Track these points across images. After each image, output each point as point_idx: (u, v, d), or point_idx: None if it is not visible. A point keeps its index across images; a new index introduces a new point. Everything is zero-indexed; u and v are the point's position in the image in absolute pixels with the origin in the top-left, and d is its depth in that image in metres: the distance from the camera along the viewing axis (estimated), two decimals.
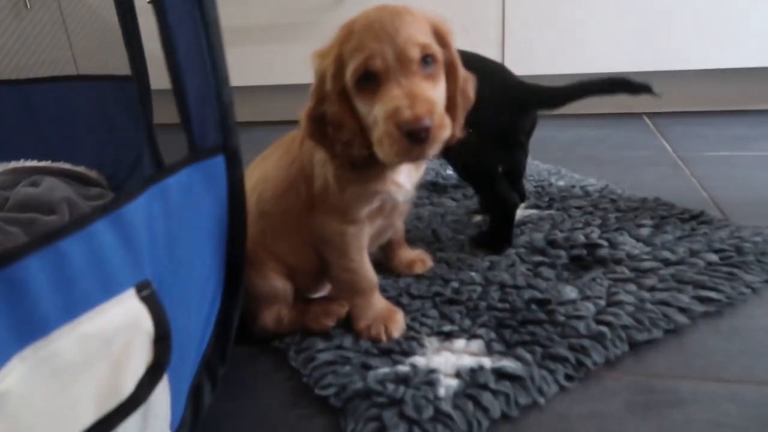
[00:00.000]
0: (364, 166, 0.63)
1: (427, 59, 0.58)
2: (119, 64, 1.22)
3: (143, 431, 0.47)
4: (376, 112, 0.57)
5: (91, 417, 0.42)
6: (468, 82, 0.65)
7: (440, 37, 0.60)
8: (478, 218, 1.01)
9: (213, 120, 0.55)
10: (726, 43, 1.47)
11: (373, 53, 0.56)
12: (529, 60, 1.58)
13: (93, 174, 1.15)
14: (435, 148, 0.57)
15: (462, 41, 1.36)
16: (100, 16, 1.80)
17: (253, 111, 1.88)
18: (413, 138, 0.54)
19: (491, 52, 1.59)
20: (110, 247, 0.44)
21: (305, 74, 1.66)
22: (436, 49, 0.58)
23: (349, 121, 0.60)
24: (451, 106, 0.62)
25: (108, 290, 0.44)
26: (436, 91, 0.59)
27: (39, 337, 0.39)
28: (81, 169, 1.15)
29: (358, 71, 0.57)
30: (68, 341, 0.41)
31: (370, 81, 0.57)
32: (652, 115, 1.61)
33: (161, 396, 0.48)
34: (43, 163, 1.14)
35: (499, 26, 1.57)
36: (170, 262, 0.51)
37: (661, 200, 1.00)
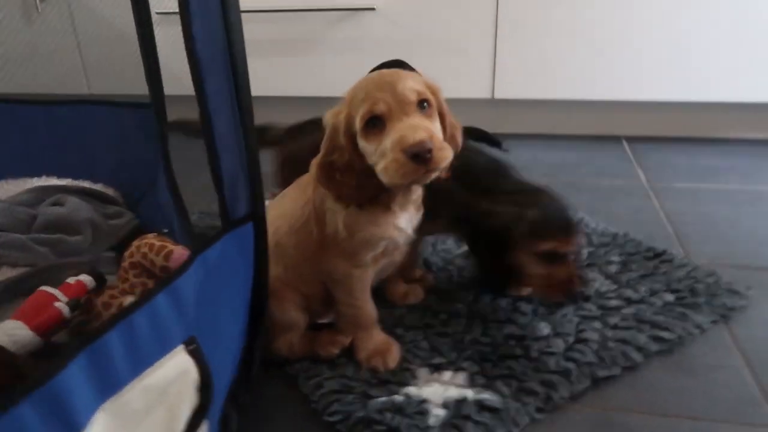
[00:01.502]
0: (368, 206, 0.74)
1: (422, 103, 0.69)
2: (130, 78, 1.30)
3: None
4: (384, 145, 0.67)
5: None
6: (456, 129, 0.76)
7: (432, 92, 0.71)
8: (465, 248, 1.11)
9: (244, 192, 0.65)
10: (701, 78, 1.57)
11: (377, 100, 0.67)
12: (519, 85, 1.68)
13: (111, 192, 1.24)
14: (437, 170, 0.67)
15: (453, 66, 1.46)
16: (112, 26, 1.86)
17: (258, 119, 1.96)
18: (418, 160, 0.64)
19: (482, 79, 1.68)
20: (166, 313, 0.54)
21: (305, 88, 1.76)
22: (430, 96, 0.70)
23: (360, 166, 0.71)
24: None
25: (164, 348, 0.54)
26: (433, 126, 0.70)
27: (115, 392, 0.49)
28: (99, 187, 1.24)
29: (366, 116, 0.68)
30: (135, 393, 0.51)
31: (377, 124, 0.68)
32: (630, 139, 1.72)
33: (201, 430, 0.58)
34: (64, 182, 1.22)
35: (490, 52, 1.66)
36: (208, 317, 0.61)
37: (630, 236, 1.11)
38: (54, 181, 1.22)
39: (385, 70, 0.71)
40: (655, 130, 1.74)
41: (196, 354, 0.57)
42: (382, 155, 0.68)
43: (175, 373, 0.54)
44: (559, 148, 1.68)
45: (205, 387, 0.57)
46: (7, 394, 0.40)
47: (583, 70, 1.63)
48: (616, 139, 1.73)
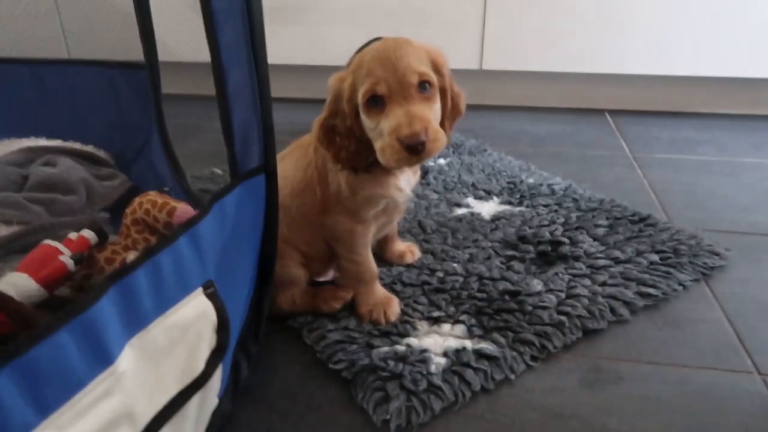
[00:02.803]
0: (364, 171, 0.76)
1: (424, 84, 0.70)
2: (112, 43, 1.28)
3: (203, 399, 0.59)
4: (382, 127, 0.69)
5: (174, 389, 0.54)
6: (459, 96, 0.77)
7: (436, 66, 0.72)
8: (459, 211, 1.14)
9: (256, 144, 0.66)
10: (683, 53, 1.62)
11: (378, 80, 0.68)
12: (507, 56, 1.70)
13: (101, 154, 1.23)
14: (430, 157, 0.70)
15: (442, 36, 1.48)
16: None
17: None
18: (411, 150, 0.67)
19: (470, 48, 1.70)
20: (187, 256, 0.55)
21: (300, 56, 1.75)
22: (432, 76, 0.70)
23: (360, 133, 0.73)
24: (443, 121, 0.75)
25: (185, 290, 0.56)
26: (431, 111, 0.71)
27: (141, 328, 0.51)
28: (90, 148, 1.23)
29: (367, 94, 0.69)
30: (159, 331, 0.53)
31: (377, 102, 0.69)
32: (614, 113, 1.76)
33: (217, 372, 0.60)
34: (54, 143, 1.21)
35: (479, 23, 1.68)
36: (224, 263, 0.62)
37: (616, 202, 1.15)
38: (43, 142, 1.21)
39: (390, 42, 0.70)
40: (637, 104, 1.78)
41: (213, 297, 0.58)
42: (380, 135, 0.70)
43: (194, 314, 0.56)
44: (545, 121, 1.71)
45: (222, 329, 0.59)
46: (46, 323, 0.41)
47: (569, 43, 1.66)
48: (600, 113, 1.77)
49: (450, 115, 0.76)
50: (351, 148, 0.74)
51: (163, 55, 1.27)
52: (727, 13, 1.56)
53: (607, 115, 1.75)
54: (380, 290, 0.86)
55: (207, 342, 0.58)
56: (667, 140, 1.54)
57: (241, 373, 0.70)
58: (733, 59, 1.61)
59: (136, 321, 0.50)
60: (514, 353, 0.76)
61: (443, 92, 0.73)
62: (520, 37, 1.68)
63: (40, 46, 1.89)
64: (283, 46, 1.80)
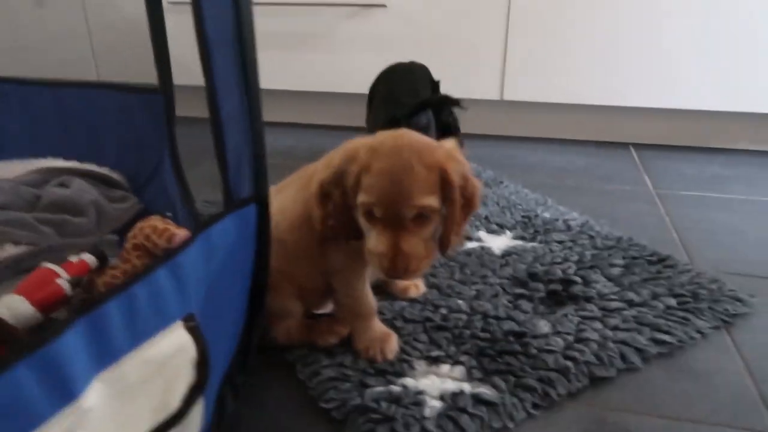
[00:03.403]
0: (347, 241, 0.75)
1: (420, 214, 0.68)
2: (140, 67, 1.30)
3: None
4: (371, 237, 0.70)
5: (146, 426, 0.52)
6: (474, 195, 0.72)
7: (445, 181, 0.68)
8: (469, 245, 1.11)
9: (248, 173, 0.64)
10: (710, 87, 1.57)
11: (377, 201, 0.67)
12: (528, 87, 1.68)
13: (116, 176, 1.24)
14: (410, 279, 0.71)
15: (462, 66, 1.49)
16: (123, 13, 1.87)
17: (273, 113, 1.96)
18: (390, 276, 0.69)
19: (491, 78, 1.68)
20: (166, 288, 0.53)
21: (311, 82, 1.76)
22: (432, 204, 0.68)
23: (354, 214, 0.72)
24: (447, 230, 0.71)
25: (163, 322, 0.54)
26: (422, 238, 0.69)
27: (112, 362, 0.49)
28: (105, 170, 1.24)
29: (364, 207, 0.69)
30: (132, 365, 0.51)
31: (373, 215, 0.69)
32: (638, 146, 1.71)
33: (198, 408, 0.58)
34: (70, 164, 1.22)
35: (500, 53, 1.66)
36: (208, 296, 0.60)
37: (634, 241, 1.10)
38: (60, 163, 1.23)
39: (400, 160, 0.67)
40: (663, 138, 1.74)
41: (194, 331, 0.56)
42: (369, 238, 0.70)
43: (172, 349, 0.54)
44: (566, 153, 1.68)
45: (202, 364, 0.57)
46: (3, 357, 0.40)
47: (592, 74, 1.63)
48: (623, 146, 1.72)
49: (462, 212, 0.72)
50: (340, 220, 0.73)
51: (186, 79, 1.29)
52: (756, 47, 1.52)
53: (632, 148, 1.70)
54: (378, 326, 0.83)
55: (185, 378, 0.56)
56: (693, 176, 1.48)
57: (227, 408, 0.68)
58: (762, 94, 1.55)
59: (106, 355, 0.49)
60: (515, 399, 0.72)
61: (452, 204, 0.70)
62: (541, 68, 1.65)
63: (71, 68, 1.94)
64: (298, 73, 1.81)
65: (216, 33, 0.59)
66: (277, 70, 1.80)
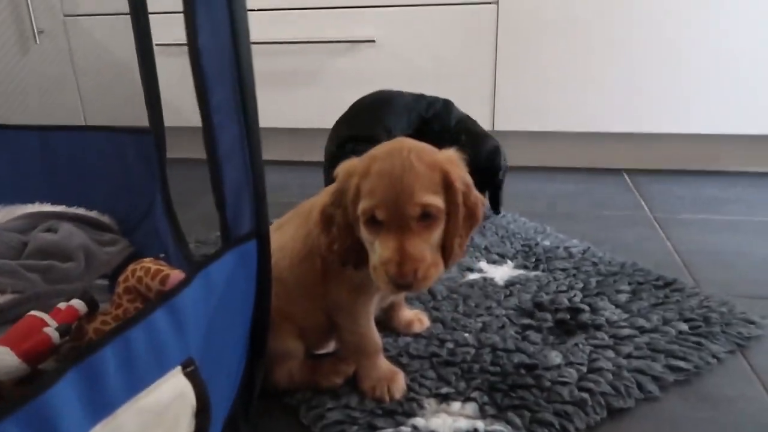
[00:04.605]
0: (353, 267, 0.72)
1: (426, 214, 0.65)
2: (128, 111, 1.29)
3: None
4: (375, 248, 0.66)
5: None
6: (476, 206, 0.70)
7: (447, 182, 0.66)
8: (471, 276, 1.08)
9: (248, 208, 0.62)
10: (701, 111, 1.58)
11: (379, 203, 0.64)
12: (519, 117, 1.68)
13: (106, 219, 1.21)
14: (419, 291, 0.66)
15: (452, 98, 1.48)
16: (110, 58, 1.87)
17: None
18: (398, 285, 0.64)
19: (482, 109, 1.69)
20: (165, 331, 0.50)
21: (303, 119, 1.75)
22: (437, 205, 0.65)
23: (357, 233, 0.69)
24: (451, 237, 0.68)
25: (161, 369, 0.50)
26: (429, 242, 0.66)
27: (108, 414, 0.46)
28: (94, 214, 1.21)
29: (366, 214, 0.66)
30: (129, 415, 0.47)
31: (376, 222, 0.66)
32: (631, 172, 1.71)
33: None
34: (58, 209, 1.19)
35: (490, 83, 1.67)
36: (207, 338, 0.57)
37: (638, 266, 1.08)
38: (47, 208, 1.19)
39: (398, 161, 0.65)
40: (655, 162, 1.74)
41: (193, 377, 0.53)
42: (374, 252, 0.67)
43: (171, 396, 0.51)
44: (559, 180, 1.67)
45: (202, 412, 0.53)
46: None
47: (582, 103, 1.64)
48: (616, 172, 1.72)
49: (465, 224, 0.70)
50: (345, 243, 0.70)
51: (175, 120, 1.27)
52: (747, 68, 1.53)
53: (624, 174, 1.70)
54: (384, 364, 0.79)
55: (184, 426, 0.52)
56: (690, 199, 1.48)
57: None
58: (754, 116, 1.57)
59: (101, 406, 0.45)
60: None
61: (455, 207, 0.68)
62: (531, 98, 1.66)
63: (58, 114, 1.93)
64: (288, 110, 1.81)
65: (213, 66, 0.57)
66: (267, 108, 1.79)
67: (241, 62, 0.59)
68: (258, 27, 1.72)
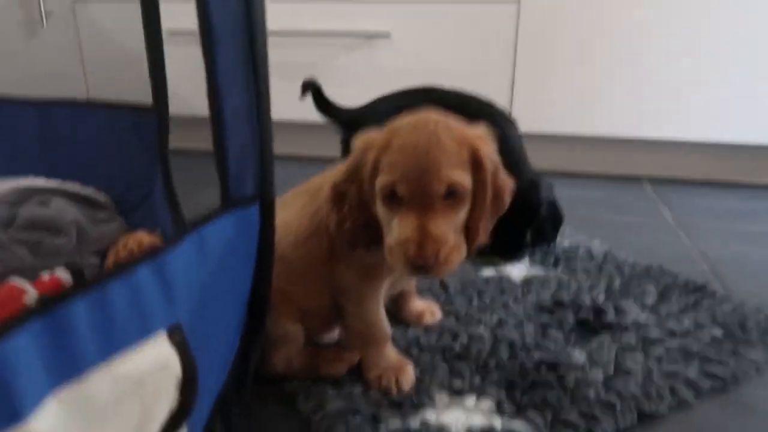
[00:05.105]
0: (364, 249, 0.65)
1: (451, 192, 0.59)
2: (132, 91, 1.23)
3: None
4: (393, 227, 0.60)
5: None
6: (504, 190, 0.65)
7: (476, 159, 0.61)
8: (486, 273, 1.01)
9: (252, 170, 0.56)
10: (724, 119, 1.52)
11: (400, 178, 0.58)
12: (536, 119, 1.62)
13: (101, 197, 1.15)
14: (439, 276, 0.60)
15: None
16: (117, 43, 1.82)
17: None
18: (416, 269, 0.58)
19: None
20: (149, 292, 0.44)
21: (314, 113, 1.68)
22: (464, 183, 0.59)
23: (373, 210, 0.63)
24: (476, 220, 0.63)
25: (142, 332, 0.44)
26: (453, 222, 0.60)
27: (75, 377, 0.39)
28: (90, 191, 1.15)
29: (385, 189, 0.60)
30: (102, 382, 0.41)
31: (395, 199, 0.60)
32: (652, 180, 1.65)
33: None
34: (52, 183, 1.13)
35: (508, 84, 1.62)
36: (200, 306, 0.51)
37: (665, 269, 1.01)
38: (41, 183, 1.14)
39: (424, 134, 0.59)
40: (677, 172, 1.67)
41: (180, 345, 0.46)
42: (390, 232, 0.61)
43: (153, 365, 0.44)
44: (578, 186, 1.60)
45: (188, 385, 0.47)
46: None
47: (602, 105, 1.58)
48: (636, 180, 1.65)
49: (490, 210, 0.64)
50: (358, 222, 0.64)
51: (181, 109, 1.22)
52: None
53: (645, 182, 1.63)
54: (392, 354, 0.73)
55: (166, 401, 0.46)
56: (713, 210, 1.41)
57: None
58: None
59: (69, 367, 0.39)
60: None
61: (482, 187, 0.62)
62: (550, 99, 1.60)
63: (60, 86, 1.87)
64: (298, 104, 1.75)
65: (222, 19, 0.51)
66: (276, 101, 1.74)
67: (253, 17, 0.53)
68: (269, 17, 1.68)
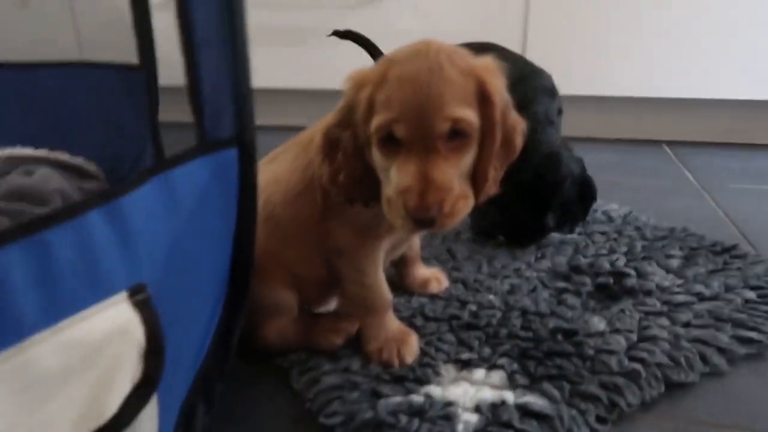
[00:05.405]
0: (362, 205, 0.59)
1: (456, 132, 0.52)
2: (128, 58, 1.17)
3: None
4: (391, 175, 0.53)
5: None
6: (515, 131, 0.57)
7: (484, 93, 0.53)
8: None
9: (229, 109, 0.49)
10: (747, 75, 1.43)
11: (398, 117, 0.51)
12: None
13: (91, 167, 1.09)
14: (444, 229, 0.53)
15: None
16: (112, 11, 1.75)
17: (266, 114, 1.83)
18: (418, 222, 0.51)
19: None
20: (103, 243, 0.38)
21: (316, 80, 1.61)
22: (471, 121, 0.52)
23: (370, 158, 0.56)
24: (484, 164, 0.55)
25: (97, 292, 0.38)
26: (458, 167, 0.53)
27: (12, 342, 0.33)
28: (79, 160, 1.09)
29: (381, 131, 0.52)
30: (46, 349, 0.35)
31: (393, 141, 0.52)
32: (672, 144, 1.56)
33: (149, 417, 0.42)
34: (39, 152, 1.08)
35: (520, 48, 1.53)
36: (171, 264, 0.45)
37: (690, 231, 0.94)
38: (28, 152, 1.08)
39: (424, 62, 0.52)
40: (697, 134, 1.58)
41: (143, 307, 0.41)
42: (388, 182, 0.54)
43: (109, 329, 0.38)
44: (597, 150, 1.52)
45: (153, 354, 0.41)
46: None
47: (617, 64, 1.49)
48: (656, 143, 1.57)
49: (499, 155, 0.57)
50: (354, 173, 0.57)
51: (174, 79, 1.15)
52: None
53: (665, 146, 1.55)
54: (394, 323, 0.67)
55: (128, 371, 0.40)
56: (738, 170, 1.33)
57: (197, 421, 0.52)
58: None
59: (3, 331, 0.33)
60: (574, 411, 0.56)
61: (491, 126, 0.54)
62: (565, 58, 1.51)
63: (53, 54, 1.82)
64: (299, 70, 1.68)
65: None
66: (276, 66, 1.67)
67: None
68: None
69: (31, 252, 0.34)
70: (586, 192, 0.91)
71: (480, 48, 1.03)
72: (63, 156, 1.09)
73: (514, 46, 1.53)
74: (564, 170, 0.89)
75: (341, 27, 1.63)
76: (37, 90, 1.12)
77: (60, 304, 0.36)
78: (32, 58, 1.27)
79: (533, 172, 0.87)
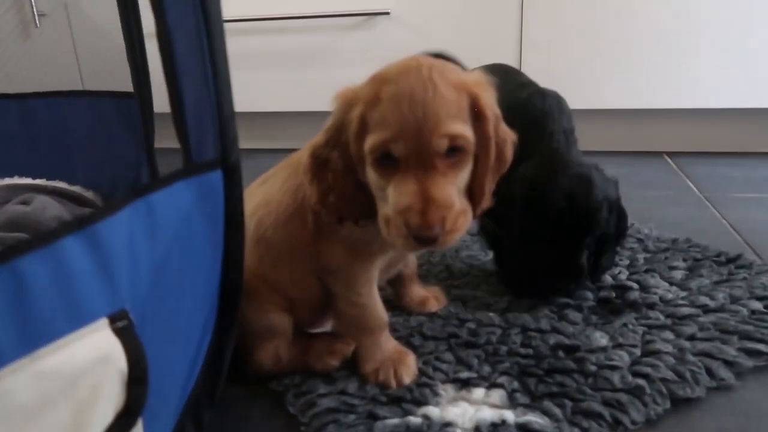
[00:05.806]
0: (353, 224, 0.58)
1: (453, 148, 0.51)
2: (128, 86, 1.18)
3: None
4: (389, 195, 0.52)
5: None
6: (506, 143, 0.57)
7: (477, 109, 0.53)
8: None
9: (212, 131, 0.49)
10: (748, 83, 1.42)
11: (395, 137, 0.50)
12: None
13: (89, 194, 1.09)
14: (445, 247, 0.52)
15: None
16: (111, 39, 1.77)
17: (259, 137, 1.83)
18: (419, 240, 0.50)
19: None
20: (80, 268, 0.37)
21: (314, 102, 1.60)
22: (467, 137, 0.52)
23: (362, 177, 0.56)
24: (480, 179, 0.55)
25: (74, 319, 0.37)
26: (456, 184, 0.53)
27: None
28: (76, 189, 1.09)
29: (377, 150, 0.52)
30: (22, 379, 0.34)
31: (389, 160, 0.52)
32: (673, 154, 1.55)
33: None
34: (37, 181, 1.08)
35: (515, 59, 1.53)
36: (154, 289, 0.44)
37: (693, 242, 0.93)
38: (26, 181, 1.08)
39: (417, 80, 0.51)
40: (698, 144, 1.57)
41: (125, 334, 0.40)
42: (385, 201, 0.53)
43: (90, 358, 0.38)
44: (598, 163, 1.51)
45: (136, 382, 0.40)
46: None
47: (616, 76, 1.49)
48: (657, 155, 1.56)
49: (494, 168, 0.56)
50: (346, 192, 0.56)
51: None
52: None
53: (666, 156, 1.54)
54: (391, 343, 0.65)
55: (110, 401, 0.39)
56: (742, 179, 1.31)
57: None
58: None
59: None
60: (576, 430, 0.54)
61: (486, 140, 0.54)
62: (560, 72, 1.51)
63: (55, 81, 1.84)
64: (298, 92, 1.69)
65: None
66: (276, 91, 1.68)
67: None
68: (261, 2, 1.62)
69: (2, 280, 0.33)
70: (620, 219, 0.79)
71: (493, 70, 0.99)
72: (60, 184, 1.09)
73: (509, 61, 1.53)
74: (599, 194, 0.75)
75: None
76: (36, 119, 1.12)
77: (35, 332, 0.35)
78: (35, 89, 1.28)
79: (563, 195, 0.73)
